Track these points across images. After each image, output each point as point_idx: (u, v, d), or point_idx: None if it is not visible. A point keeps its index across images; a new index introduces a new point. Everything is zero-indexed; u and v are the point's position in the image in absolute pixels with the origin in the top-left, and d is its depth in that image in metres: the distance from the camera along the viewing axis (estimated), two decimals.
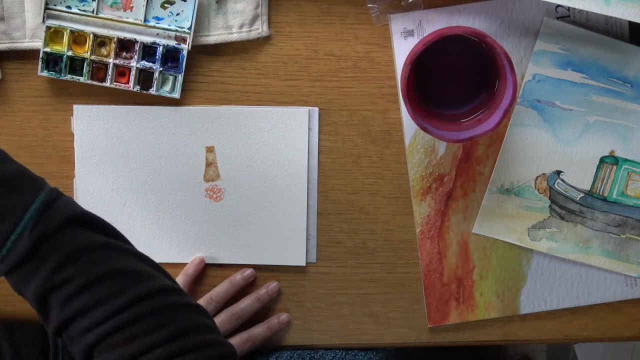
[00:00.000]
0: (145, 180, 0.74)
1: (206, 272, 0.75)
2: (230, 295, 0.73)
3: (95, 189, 0.74)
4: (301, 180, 0.73)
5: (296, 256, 0.74)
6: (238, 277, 0.74)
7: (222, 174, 0.73)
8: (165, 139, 0.73)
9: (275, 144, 0.73)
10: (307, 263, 0.75)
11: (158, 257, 0.74)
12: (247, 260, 0.74)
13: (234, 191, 0.74)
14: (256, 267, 0.75)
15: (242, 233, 0.74)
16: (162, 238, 0.74)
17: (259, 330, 0.73)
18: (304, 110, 0.72)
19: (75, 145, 0.73)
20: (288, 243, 0.74)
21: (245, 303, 0.73)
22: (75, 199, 0.73)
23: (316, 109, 0.73)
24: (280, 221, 0.74)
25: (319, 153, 0.73)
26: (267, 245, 0.74)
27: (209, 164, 0.73)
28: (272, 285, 0.74)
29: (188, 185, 0.74)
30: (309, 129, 0.73)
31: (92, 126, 0.73)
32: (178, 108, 0.73)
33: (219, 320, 0.72)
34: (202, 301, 0.72)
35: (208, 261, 0.74)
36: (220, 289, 0.73)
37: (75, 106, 0.72)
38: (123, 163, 0.73)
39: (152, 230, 0.74)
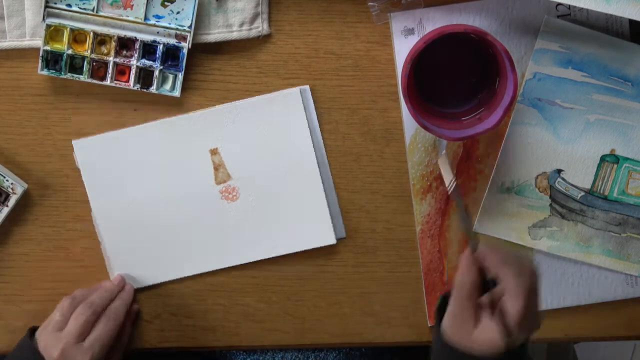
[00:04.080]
0: (159, 196, 0.73)
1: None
2: (105, 301, 0.71)
3: (113, 215, 0.73)
4: (310, 160, 0.73)
5: (325, 235, 0.73)
6: (108, 284, 0.73)
7: (232, 173, 0.73)
8: (169, 151, 0.72)
9: (277, 130, 0.72)
10: (337, 239, 0.74)
11: (189, 270, 0.74)
12: (277, 252, 0.74)
13: (248, 187, 0.73)
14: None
15: (265, 226, 0.73)
16: (188, 250, 0.74)
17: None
18: (295, 91, 0.72)
19: (84, 180, 0.73)
20: (313, 224, 0.73)
21: (96, 295, 0.71)
22: (96, 228, 0.74)
23: (307, 87, 0.72)
24: (301, 205, 0.73)
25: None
26: (293, 232, 0.73)
27: (216, 167, 0.73)
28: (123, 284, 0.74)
29: (202, 192, 0.73)
30: (305, 108, 0.72)
31: (95, 157, 0.72)
32: (174, 119, 0.72)
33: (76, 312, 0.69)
34: (81, 307, 0.69)
35: (235, 263, 0.74)
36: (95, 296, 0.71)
37: (74, 141, 0.72)
38: (134, 184, 0.73)
39: (178, 245, 0.74)
